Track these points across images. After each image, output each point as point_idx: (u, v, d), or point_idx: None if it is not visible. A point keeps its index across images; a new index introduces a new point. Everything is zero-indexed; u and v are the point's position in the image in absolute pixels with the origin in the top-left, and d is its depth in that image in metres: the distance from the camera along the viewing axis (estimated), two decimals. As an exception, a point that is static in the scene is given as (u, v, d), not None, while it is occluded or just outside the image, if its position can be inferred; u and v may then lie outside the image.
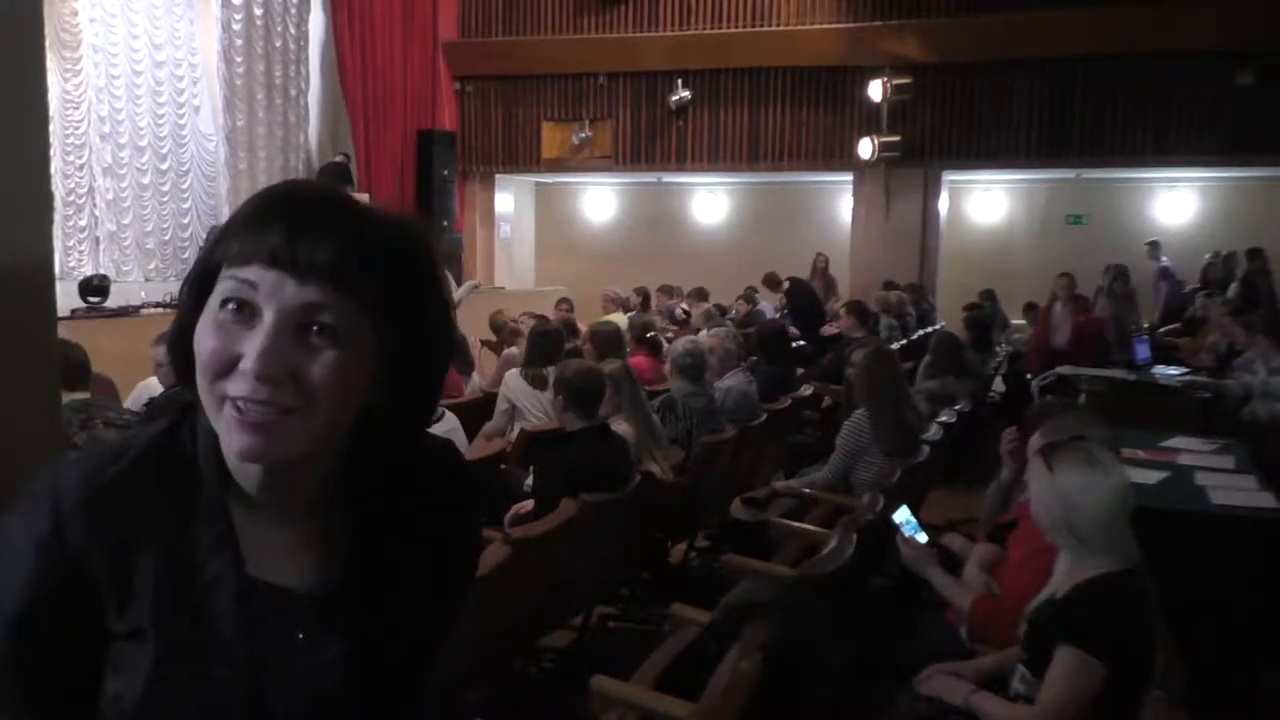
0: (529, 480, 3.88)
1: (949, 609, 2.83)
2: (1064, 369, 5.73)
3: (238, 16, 10.54)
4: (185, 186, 10.78)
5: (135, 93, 10.02)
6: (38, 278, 1.55)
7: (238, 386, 0.80)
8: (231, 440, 0.82)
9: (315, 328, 0.81)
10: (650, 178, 14.40)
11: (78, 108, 9.52)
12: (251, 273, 0.81)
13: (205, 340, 0.82)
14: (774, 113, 12.49)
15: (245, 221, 0.84)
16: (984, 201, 14.40)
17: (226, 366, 0.81)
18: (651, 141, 13.02)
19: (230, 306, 0.81)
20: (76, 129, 9.54)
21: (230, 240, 0.83)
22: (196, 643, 0.85)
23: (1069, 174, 13.09)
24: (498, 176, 14.08)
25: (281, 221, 0.82)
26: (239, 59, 10.59)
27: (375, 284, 0.83)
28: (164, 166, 10.45)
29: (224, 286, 0.82)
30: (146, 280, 10.30)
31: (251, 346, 0.80)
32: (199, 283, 0.85)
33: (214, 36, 10.50)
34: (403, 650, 0.96)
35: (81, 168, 9.64)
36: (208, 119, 10.77)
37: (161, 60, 10.23)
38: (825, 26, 12.04)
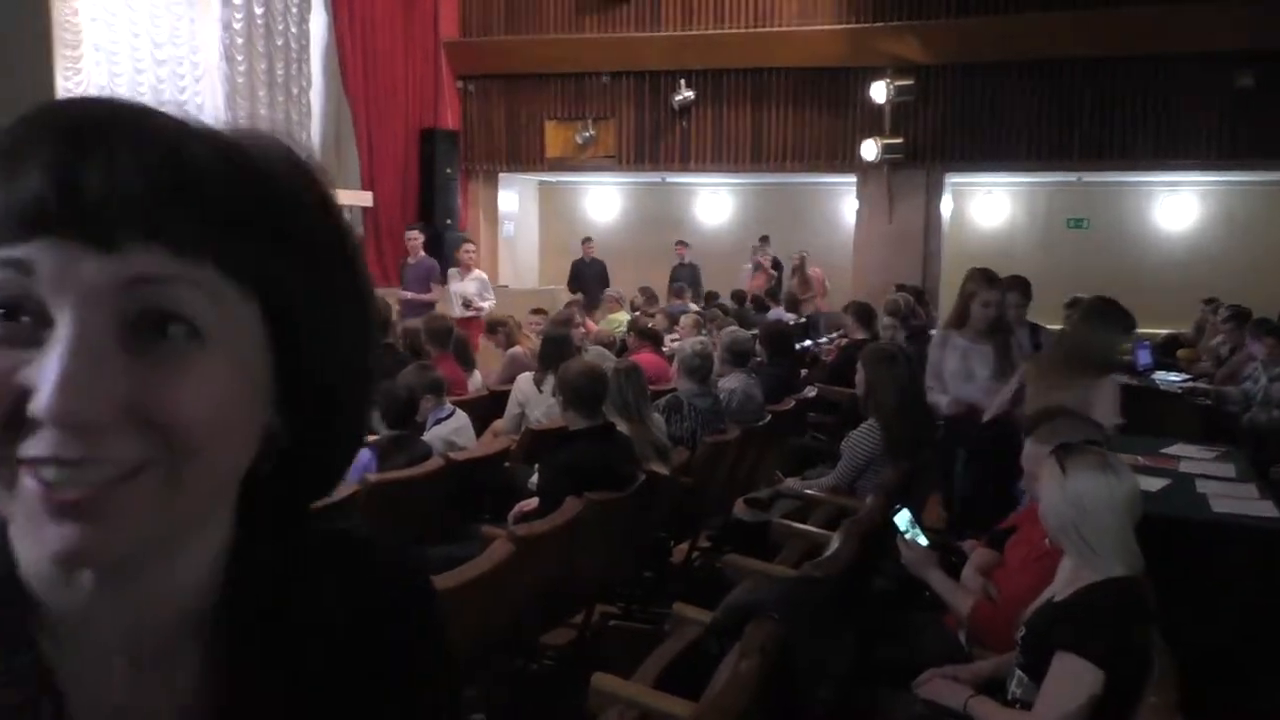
0: (533, 478, 3.90)
1: (949, 613, 2.84)
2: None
3: (238, 15, 10.56)
4: (188, 184, 10.80)
5: (137, 91, 10.02)
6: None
7: (34, 446, 0.46)
8: (39, 537, 0.47)
9: (160, 321, 0.47)
10: (654, 177, 14.42)
11: (80, 105, 9.54)
12: (18, 250, 0.46)
13: None
14: (776, 114, 12.50)
15: None
16: (986, 204, 14.41)
17: (5, 411, 0.46)
18: (655, 141, 13.03)
19: None
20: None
21: None
22: None
23: (1070, 177, 13.10)
24: (501, 175, 14.10)
25: (50, 157, 0.47)
26: (240, 57, 10.61)
27: (245, 231, 0.50)
28: (167, 164, 10.47)
29: None
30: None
31: (42, 373, 0.45)
32: None
33: (215, 35, 10.51)
34: None
35: (84, 165, 9.67)
36: (209, 117, 10.68)
37: (163, 59, 10.25)
38: (827, 27, 12.04)
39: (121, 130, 0.48)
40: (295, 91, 11.38)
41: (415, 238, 9.32)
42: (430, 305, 8.50)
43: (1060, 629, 2.10)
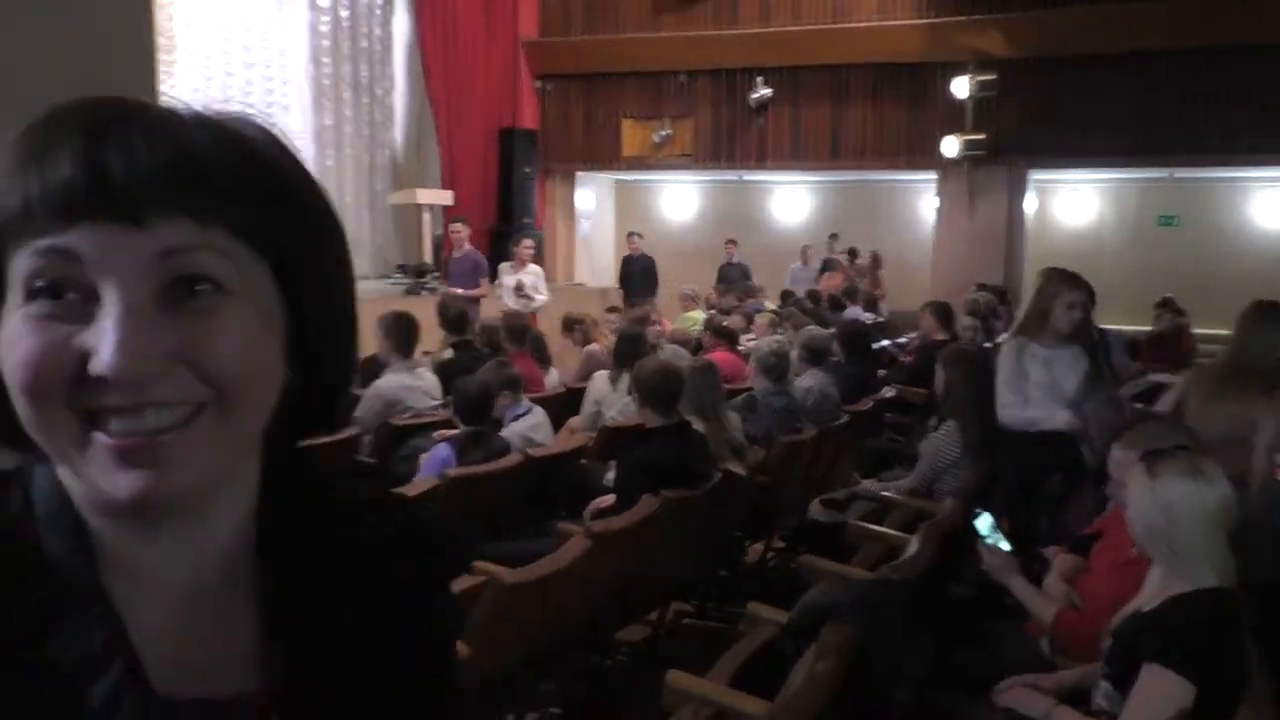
0: (609, 475, 3.93)
1: (1030, 620, 2.78)
2: (1159, 377, 5.55)
3: (325, 18, 10.83)
4: (275, 184, 11.12)
5: (228, 94, 10.35)
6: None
7: (104, 399, 0.53)
8: (110, 483, 0.54)
9: (191, 283, 0.55)
10: (730, 175, 14.37)
11: (173, 108, 9.87)
12: (62, 239, 0.53)
13: (18, 348, 0.53)
14: (855, 110, 12.36)
15: (24, 160, 0.54)
16: (1072, 202, 14.04)
17: (68, 379, 0.53)
18: (731, 139, 12.99)
19: (44, 298, 0.54)
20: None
21: (4, 194, 0.54)
22: None
23: (1161, 173, 12.69)
24: (578, 174, 14.20)
25: (78, 146, 0.53)
26: (326, 60, 10.88)
27: (251, 203, 0.57)
28: (254, 165, 10.80)
29: (22, 271, 0.54)
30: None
31: (100, 339, 0.52)
32: None
33: (303, 38, 10.79)
34: None
35: (177, 166, 10.00)
36: (297, 118, 11.07)
37: (251, 62, 10.56)
38: (907, 22, 11.87)
39: (135, 122, 0.55)
40: (379, 93, 11.63)
41: (459, 230, 9.05)
42: (476, 301, 8.39)
43: (1149, 640, 2.04)
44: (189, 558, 0.61)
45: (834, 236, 13.25)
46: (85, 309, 0.53)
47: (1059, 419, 3.74)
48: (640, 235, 12.42)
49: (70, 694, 0.56)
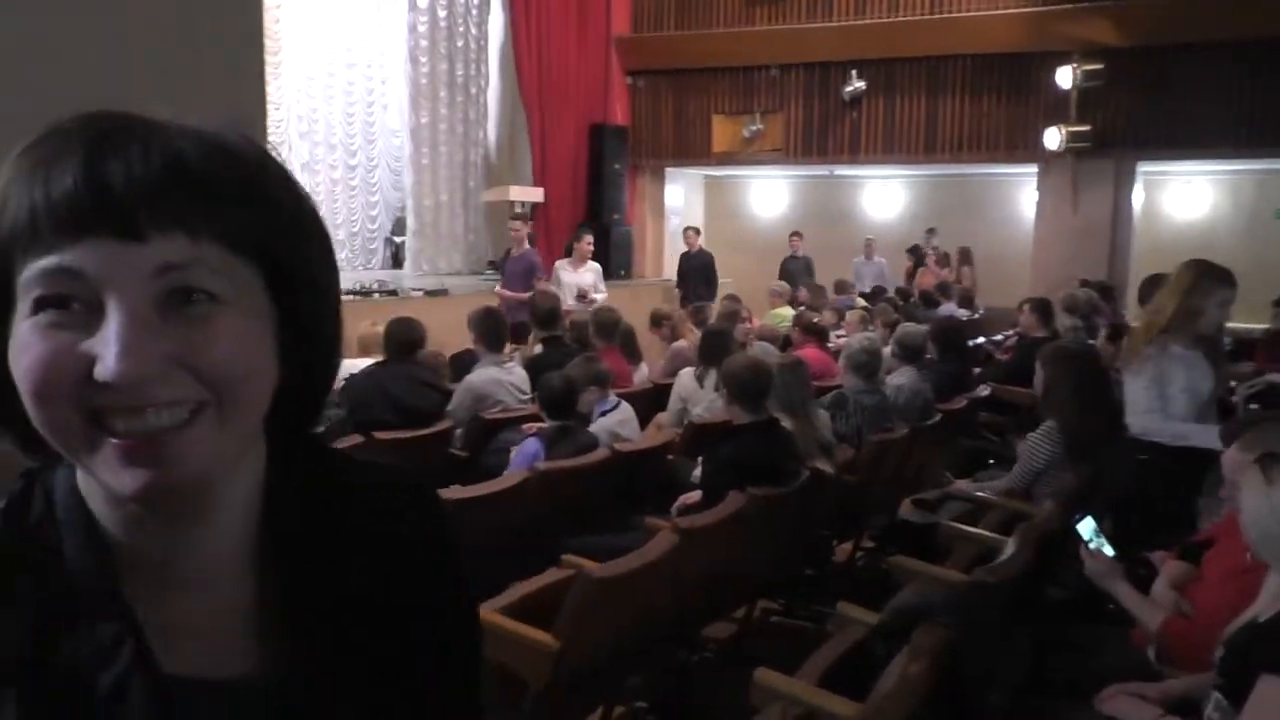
0: (696, 471, 3.92)
1: (1135, 627, 2.68)
2: (1274, 375, 5.28)
3: (423, 18, 11.05)
4: (374, 181, 11.41)
5: (329, 93, 10.67)
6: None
7: (110, 400, 0.57)
8: (117, 480, 0.58)
9: (187, 293, 0.58)
10: (821, 170, 14.20)
11: (278, 108, 10.22)
12: (66, 256, 0.56)
13: (28, 355, 0.57)
14: (953, 102, 12.08)
15: (28, 176, 0.57)
16: (1183, 194, 13.48)
17: (75, 383, 0.56)
18: (824, 133, 12.83)
19: (50, 309, 0.57)
20: (277, 128, 10.24)
21: (10, 209, 0.58)
22: None
23: (1280, 164, 12.10)
24: (668, 170, 14.20)
25: (80, 163, 0.57)
26: (424, 59, 11.10)
27: (240, 215, 0.60)
28: (354, 162, 11.10)
29: (30, 285, 0.57)
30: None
31: (104, 347, 0.56)
32: None
33: (401, 38, 11.04)
34: None
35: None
36: (395, 116, 11.34)
37: (353, 62, 10.86)
38: (1009, 11, 11.54)
39: (131, 137, 0.58)
40: (473, 91, 11.82)
41: (519, 229, 8.62)
42: (530, 303, 8.29)
43: (1265, 650, 1.94)
44: (196, 547, 0.64)
45: (931, 231, 13.00)
46: (89, 318, 0.57)
47: (1214, 439, 3.17)
48: (698, 231, 11.85)
49: (84, 678, 0.60)
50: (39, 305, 0.57)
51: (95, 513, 0.63)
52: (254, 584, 0.67)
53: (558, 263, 9.00)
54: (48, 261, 0.56)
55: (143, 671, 0.61)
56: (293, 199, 0.65)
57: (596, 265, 8.76)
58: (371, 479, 0.76)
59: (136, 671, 0.61)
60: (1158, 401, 3.59)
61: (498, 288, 8.47)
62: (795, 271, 11.75)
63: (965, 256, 12.58)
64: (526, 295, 7.87)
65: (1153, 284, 4.25)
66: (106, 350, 0.55)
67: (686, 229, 12.17)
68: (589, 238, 8.87)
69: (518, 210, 10.26)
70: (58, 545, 0.63)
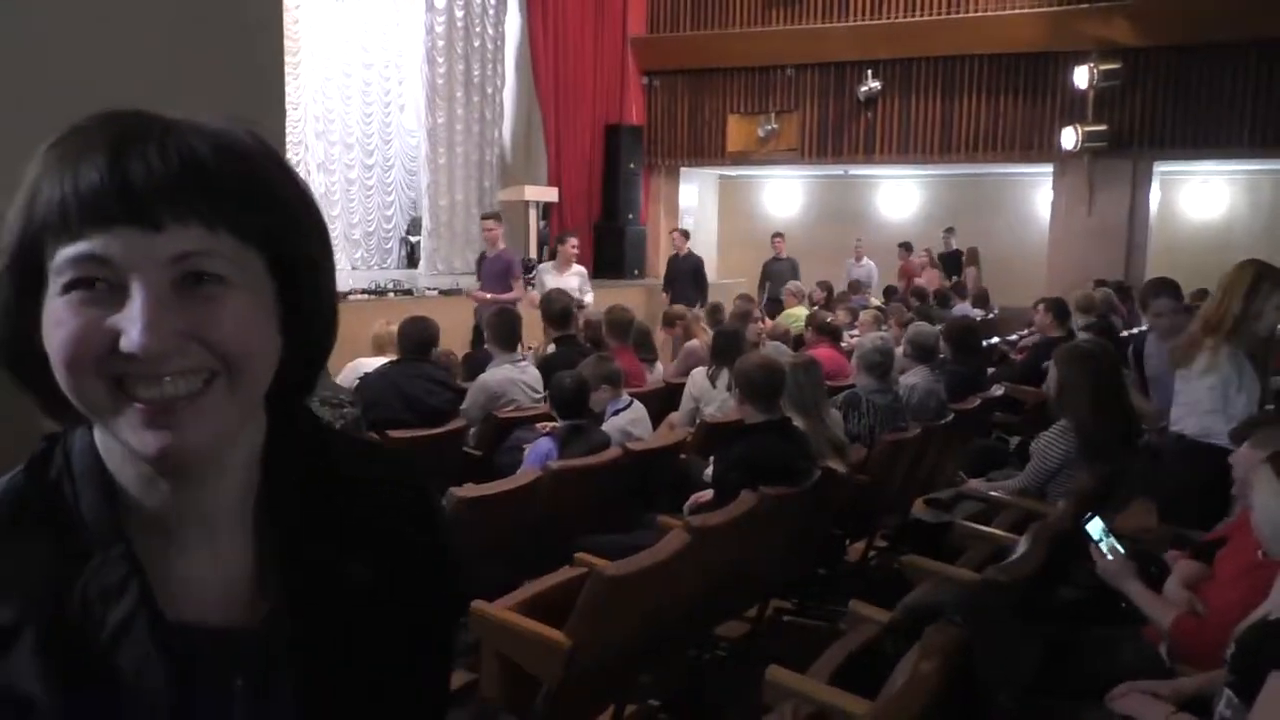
0: (709, 470, 3.93)
1: (1147, 625, 2.68)
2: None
3: (440, 19, 11.09)
4: (389, 181, 11.46)
5: (346, 93, 10.72)
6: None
7: (133, 368, 0.64)
8: (139, 441, 0.65)
9: (200, 276, 0.65)
10: (836, 170, 14.18)
11: (296, 108, 10.26)
12: (93, 244, 0.63)
13: (59, 331, 0.64)
14: (968, 102, 12.04)
15: (56, 171, 0.64)
16: (1200, 194, 13.40)
17: (101, 353, 0.64)
18: (839, 133, 12.81)
19: (79, 291, 0.64)
20: (295, 128, 10.29)
21: (41, 201, 0.64)
22: (110, 712, 0.66)
23: (1300, 163, 12.02)
24: (682, 169, 14.21)
25: (105, 161, 0.63)
26: (440, 59, 11.14)
27: (246, 207, 0.67)
28: (370, 162, 11.14)
29: (61, 270, 0.64)
30: (353, 269, 11.02)
31: (128, 323, 0.63)
32: (21, 274, 0.66)
33: (418, 39, 11.07)
34: (364, 698, 0.75)
35: (298, 164, 10.39)
36: (411, 117, 11.39)
37: (370, 62, 10.90)
38: (1026, 11, 11.50)
39: (150, 135, 0.65)
40: (490, 91, 11.86)
41: (493, 228, 8.23)
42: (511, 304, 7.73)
43: (1276, 647, 1.94)
44: (203, 505, 0.71)
45: (949, 231, 12.95)
46: (113, 296, 0.64)
47: None
48: (686, 234, 11.29)
49: (90, 622, 0.66)
50: (69, 286, 0.64)
51: (111, 471, 0.70)
52: (252, 543, 0.74)
53: (540, 265, 8.82)
54: (77, 249, 0.63)
55: (146, 612, 0.67)
56: (294, 192, 0.72)
57: (582, 269, 8.52)
58: (357, 451, 0.83)
59: (141, 612, 0.67)
60: (1220, 402, 3.58)
61: (474, 290, 8.20)
62: (779, 274, 11.43)
63: (972, 257, 12.53)
64: (507, 296, 7.75)
65: (1155, 288, 4.25)
66: (131, 325, 0.63)
67: (674, 231, 11.70)
68: (573, 240, 8.62)
69: (490, 209, 9.93)
70: (74, 498, 0.69)
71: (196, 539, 0.71)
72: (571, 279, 8.10)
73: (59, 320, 0.64)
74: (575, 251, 8.46)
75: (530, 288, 8.30)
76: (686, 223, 14.50)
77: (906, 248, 12.90)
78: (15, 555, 0.68)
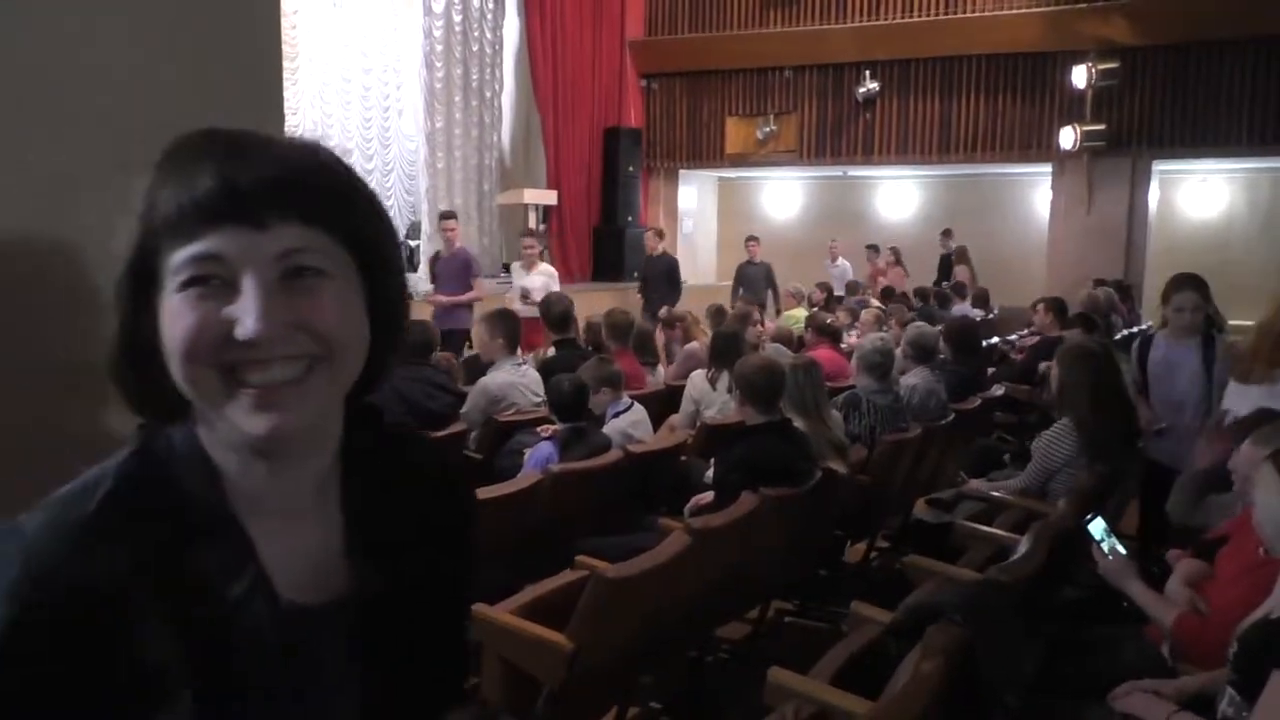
0: (709, 472, 3.92)
1: (1150, 624, 2.68)
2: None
3: (438, 24, 11.09)
4: (388, 185, 11.44)
5: (345, 98, 10.71)
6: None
7: (245, 355, 0.71)
8: (250, 423, 0.72)
9: (302, 271, 0.73)
10: (835, 171, 14.18)
11: (294, 114, 10.25)
12: (208, 244, 0.70)
13: (179, 323, 0.71)
14: (967, 102, 12.05)
15: (170, 180, 0.72)
16: (1199, 193, 13.41)
17: (218, 344, 0.70)
18: (838, 134, 12.82)
19: (196, 288, 0.71)
20: (293, 133, 10.26)
21: (159, 207, 0.72)
22: (233, 681, 0.73)
23: (1299, 161, 12.02)
24: (681, 172, 14.22)
25: (214, 169, 0.71)
26: (439, 64, 11.14)
27: (335, 209, 0.75)
28: (369, 167, 11.13)
29: (178, 269, 0.71)
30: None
31: (244, 311, 0.70)
32: (136, 277, 0.73)
33: (417, 43, 11.08)
34: (422, 655, 0.85)
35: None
36: (410, 121, 11.38)
37: (369, 67, 10.89)
38: (1024, 11, 11.51)
39: (249, 146, 0.73)
40: (488, 95, 11.86)
41: (452, 227, 7.98)
42: (469, 306, 7.67)
43: (1278, 646, 1.94)
44: (297, 486, 0.79)
45: (946, 233, 12.94)
46: (226, 291, 0.71)
47: None
48: (660, 234, 10.96)
49: (210, 598, 0.73)
50: (186, 284, 0.71)
51: (213, 458, 0.76)
52: (334, 517, 0.82)
53: (513, 265, 8.62)
54: (194, 249, 0.71)
55: (263, 589, 0.75)
56: (369, 196, 0.80)
57: (550, 269, 8.33)
58: (404, 434, 0.92)
59: (259, 588, 0.75)
60: None
61: (431, 294, 7.91)
62: (752, 278, 11.14)
63: (961, 255, 12.47)
64: (465, 297, 7.67)
65: (1180, 282, 4.21)
66: (246, 315, 0.70)
67: (647, 231, 11.42)
68: (528, 240, 8.39)
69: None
70: (183, 482, 0.76)
71: (288, 518, 0.78)
72: (536, 279, 7.90)
73: (177, 314, 0.71)
74: (530, 251, 8.16)
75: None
76: (686, 225, 14.51)
77: (874, 249, 12.82)
78: (135, 534, 0.72)
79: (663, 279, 10.38)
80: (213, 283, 0.71)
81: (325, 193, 0.75)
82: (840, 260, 12.62)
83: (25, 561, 0.70)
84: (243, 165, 0.71)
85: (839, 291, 11.00)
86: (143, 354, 0.73)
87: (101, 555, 0.71)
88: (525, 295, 7.65)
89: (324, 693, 0.78)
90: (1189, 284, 4.18)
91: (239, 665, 0.73)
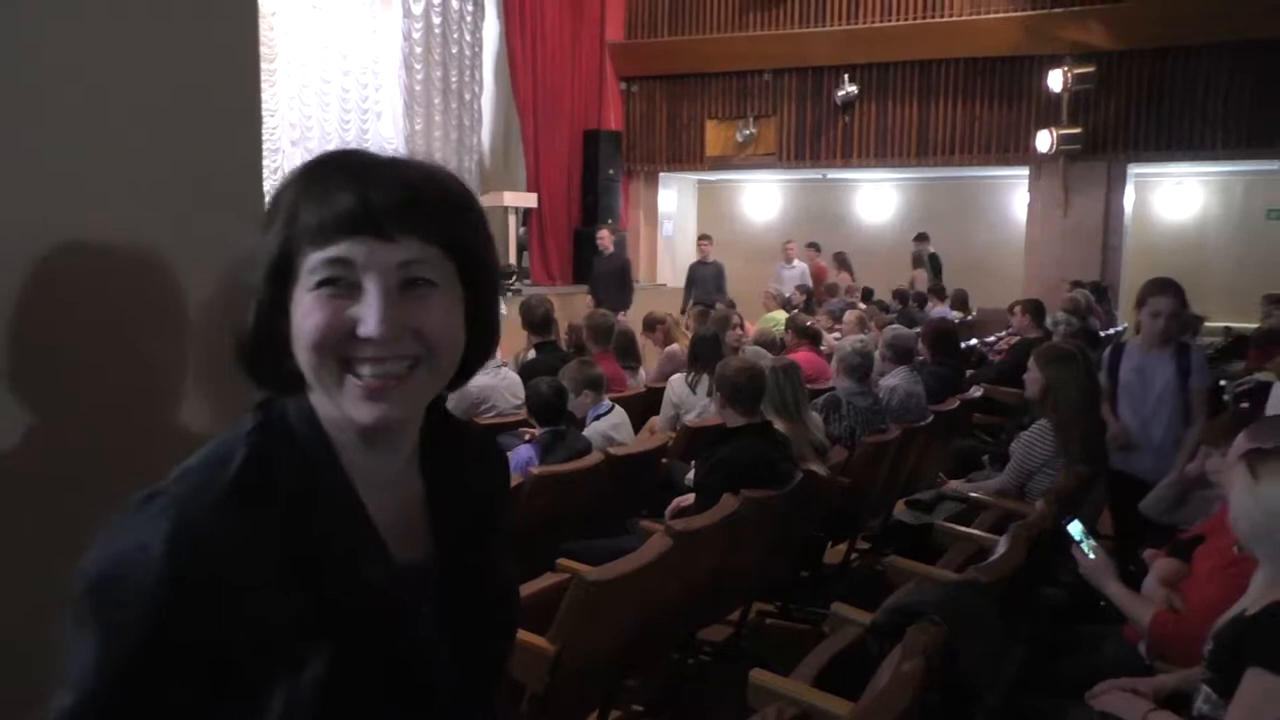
0: (690, 474, 3.93)
1: (1127, 623, 2.70)
2: (1264, 374, 5.30)
3: (418, 25, 11.04)
4: (367, 188, 11.40)
5: (324, 100, 10.64)
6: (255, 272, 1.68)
7: (362, 352, 0.82)
8: (362, 411, 0.82)
9: (416, 281, 0.83)
10: (814, 174, 14.23)
11: (272, 115, 10.18)
12: (341, 249, 0.81)
13: (312, 318, 0.82)
14: (945, 106, 12.12)
15: (312, 196, 0.83)
16: (1174, 196, 13.54)
17: (341, 338, 0.81)
18: (817, 137, 12.87)
19: (327, 288, 0.82)
20: (271, 135, 10.20)
21: (301, 218, 0.83)
22: (354, 635, 0.83)
23: (1271, 165, 12.14)
24: (661, 175, 14.23)
25: (351, 188, 0.82)
26: (418, 66, 11.09)
27: (448, 226, 0.86)
28: (348, 169, 11.07)
29: (314, 269, 0.82)
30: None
31: (366, 313, 0.81)
32: (279, 272, 0.84)
33: (396, 45, 11.03)
34: (496, 606, 0.99)
35: (275, 172, 10.29)
36: (389, 124, 11.32)
37: (348, 69, 10.82)
38: (1001, 15, 11.59)
39: (381, 169, 0.85)
40: (468, 98, 11.82)
41: None
42: None
43: (1253, 644, 1.96)
44: (393, 461, 0.90)
45: (920, 237, 12.97)
46: (351, 293, 0.82)
47: None
48: (613, 231, 10.85)
49: (333, 556, 0.83)
50: (319, 284, 0.82)
51: (328, 433, 0.87)
52: (416, 488, 0.94)
53: None
54: (330, 252, 0.82)
55: (377, 548, 0.87)
56: (478, 213, 0.91)
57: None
58: (460, 421, 1.03)
59: (372, 549, 0.86)
60: None
61: None
62: (704, 279, 10.95)
63: (841, 261, 12.49)
64: None
65: (1157, 286, 4.10)
66: (369, 315, 0.81)
67: (601, 230, 11.31)
68: None
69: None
70: (305, 453, 0.86)
71: (384, 487, 0.89)
72: None
73: (310, 310, 0.82)
74: None
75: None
76: (666, 228, 14.52)
77: (815, 248, 12.66)
78: (271, 500, 0.82)
79: (614, 279, 10.27)
80: (341, 284, 0.81)
81: (442, 214, 0.86)
82: (797, 262, 12.16)
83: (177, 521, 0.78)
84: (376, 186, 0.82)
85: (790, 294, 10.71)
86: (271, 338, 0.84)
87: (245, 518, 0.80)
88: None
89: (423, 647, 0.88)
90: (1167, 288, 4.03)
91: (359, 621, 0.83)
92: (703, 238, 11.88)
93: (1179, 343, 4.12)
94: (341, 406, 0.83)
